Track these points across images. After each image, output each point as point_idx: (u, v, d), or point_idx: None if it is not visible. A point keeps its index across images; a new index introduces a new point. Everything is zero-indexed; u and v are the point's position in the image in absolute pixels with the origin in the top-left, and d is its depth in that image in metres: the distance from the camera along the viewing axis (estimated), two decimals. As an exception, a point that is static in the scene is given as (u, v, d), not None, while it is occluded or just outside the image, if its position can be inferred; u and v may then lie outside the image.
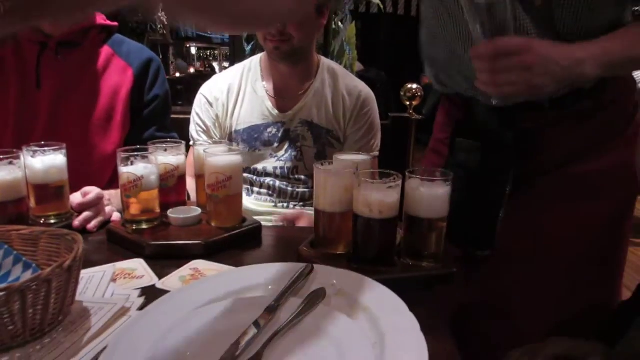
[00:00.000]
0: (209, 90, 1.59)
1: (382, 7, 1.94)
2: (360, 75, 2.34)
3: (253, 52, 2.16)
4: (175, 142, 1.15)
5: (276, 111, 1.52)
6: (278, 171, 1.52)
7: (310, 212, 1.46)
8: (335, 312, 0.71)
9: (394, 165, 1.01)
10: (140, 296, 0.78)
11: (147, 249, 0.97)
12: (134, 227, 1.03)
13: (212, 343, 0.62)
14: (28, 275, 0.74)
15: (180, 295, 0.72)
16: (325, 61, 1.61)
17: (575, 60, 0.85)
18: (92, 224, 1.12)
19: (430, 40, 1.08)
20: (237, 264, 0.93)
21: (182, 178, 1.14)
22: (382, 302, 0.72)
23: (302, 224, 1.35)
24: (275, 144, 1.53)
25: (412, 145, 2.01)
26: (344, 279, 0.79)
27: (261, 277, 0.78)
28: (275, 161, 1.53)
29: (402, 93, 2.04)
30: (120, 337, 0.61)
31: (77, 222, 1.11)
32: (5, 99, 1.38)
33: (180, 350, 0.61)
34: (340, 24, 1.97)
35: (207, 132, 1.57)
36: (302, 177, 1.53)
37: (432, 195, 0.84)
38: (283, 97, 1.54)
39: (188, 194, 1.27)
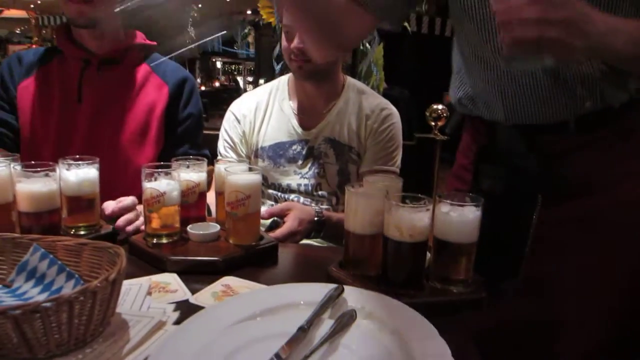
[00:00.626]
0: (237, 107, 1.64)
1: (408, 26, 1.97)
2: (384, 94, 2.37)
3: (282, 72, 2.20)
4: (197, 159, 1.17)
5: (301, 129, 1.56)
6: (302, 188, 1.55)
7: (301, 204, 1.47)
8: (366, 334, 0.73)
9: (419, 185, 1.02)
10: (175, 310, 0.80)
11: (167, 263, 0.99)
12: (155, 241, 1.06)
13: (247, 360, 0.64)
14: (70, 284, 0.78)
15: (215, 312, 0.74)
16: (351, 81, 1.64)
17: (612, 28, 0.78)
18: (131, 227, 1.16)
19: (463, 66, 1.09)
20: (262, 281, 0.95)
21: (202, 194, 1.17)
22: (412, 327, 0.73)
23: (291, 218, 1.32)
24: (300, 161, 1.56)
25: (437, 165, 2.01)
26: (374, 301, 0.80)
27: (293, 296, 0.80)
28: (299, 178, 1.56)
29: (427, 113, 2.06)
30: (159, 351, 0.64)
31: (120, 222, 1.15)
32: (49, 112, 1.44)
33: (217, 365, 0.63)
34: (368, 45, 2.01)
35: (234, 148, 1.61)
36: (325, 194, 1.55)
37: (462, 220, 0.85)
38: (308, 115, 1.58)
39: (209, 209, 1.30)
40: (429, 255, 0.90)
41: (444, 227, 0.86)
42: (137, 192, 1.48)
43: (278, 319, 0.75)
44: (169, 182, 1.04)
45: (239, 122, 1.61)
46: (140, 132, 1.47)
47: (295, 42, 1.45)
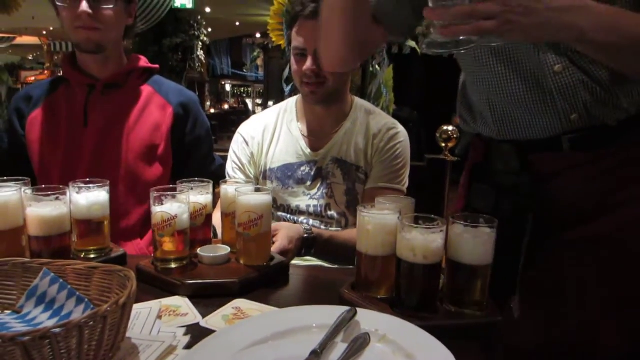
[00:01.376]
0: (246, 129, 1.65)
1: (417, 48, 1.98)
2: (393, 115, 2.37)
3: (291, 94, 2.22)
4: (203, 181, 1.17)
5: (309, 150, 1.56)
6: (311, 209, 1.54)
7: (290, 224, 1.46)
8: (380, 359, 0.71)
9: (429, 206, 1.01)
10: (185, 334, 0.79)
11: (182, 287, 0.98)
12: (164, 266, 1.05)
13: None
14: (80, 309, 0.77)
15: (226, 336, 0.73)
16: (359, 102, 1.64)
17: (571, 7, 0.75)
18: None
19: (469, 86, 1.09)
20: (273, 303, 0.94)
21: (209, 216, 1.17)
22: (428, 351, 0.71)
23: (280, 237, 1.29)
24: (308, 182, 1.55)
25: (447, 186, 2.00)
26: (388, 324, 0.78)
27: (305, 319, 0.79)
28: (308, 199, 1.55)
29: (437, 135, 2.06)
30: (170, 376, 0.63)
31: None
32: (56, 138, 1.47)
33: (228, 392, 0.61)
34: (377, 67, 2.02)
35: (242, 169, 1.61)
36: (335, 215, 1.54)
37: (476, 241, 0.83)
38: (316, 136, 1.58)
39: (214, 230, 1.30)
40: (442, 277, 0.89)
41: (458, 249, 0.84)
42: (143, 212, 1.49)
43: (290, 343, 0.74)
44: (180, 205, 1.03)
45: (247, 143, 1.62)
46: (146, 151, 1.49)
47: (309, 64, 1.45)
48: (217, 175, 1.52)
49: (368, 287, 0.92)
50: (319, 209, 1.54)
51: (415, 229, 0.83)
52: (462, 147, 4.44)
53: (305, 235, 1.33)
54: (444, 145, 2.03)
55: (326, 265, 1.49)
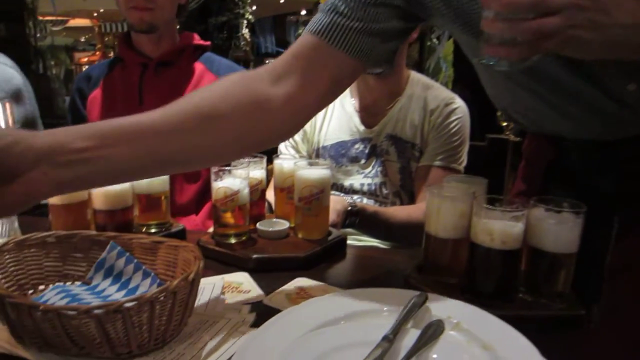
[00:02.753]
0: None
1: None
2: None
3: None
4: (255, 157, 1.15)
5: (363, 127, 1.51)
6: (365, 188, 1.50)
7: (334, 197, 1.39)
8: (456, 348, 0.67)
9: (489, 189, 0.95)
10: (251, 312, 0.77)
11: (249, 262, 0.98)
12: (225, 241, 1.05)
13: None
14: (147, 283, 0.76)
15: (294, 315, 0.71)
16: (415, 76, 1.57)
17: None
18: None
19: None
20: (335, 283, 0.92)
21: (263, 192, 1.17)
22: (507, 343, 0.66)
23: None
24: (363, 161, 1.50)
25: (508, 169, 1.91)
26: (461, 312, 0.74)
27: (374, 302, 0.75)
28: (362, 178, 1.50)
29: (499, 113, 1.96)
30: (241, 354, 0.61)
31: None
32: (114, 115, 1.48)
33: (301, 375, 0.59)
34: (436, 40, 1.92)
35: (295, 147, 1.58)
36: (390, 194, 1.49)
37: (561, 227, 0.77)
38: (370, 112, 1.52)
39: (269, 205, 1.28)
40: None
41: (539, 235, 0.78)
42: (198, 188, 1.50)
43: (360, 326, 0.71)
44: (241, 181, 1.02)
45: None
46: None
47: None
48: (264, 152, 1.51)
49: (436, 271, 0.88)
50: (374, 188, 1.49)
51: (493, 211, 0.77)
52: (518, 128, 4.28)
53: (349, 208, 1.30)
54: (505, 124, 1.93)
55: (381, 245, 1.45)
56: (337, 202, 1.31)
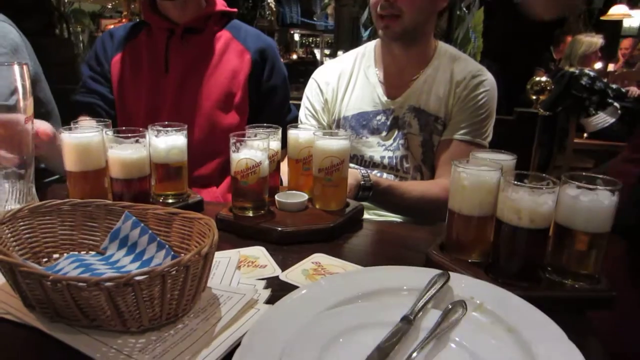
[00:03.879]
0: (321, 75, 1.57)
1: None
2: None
3: (370, 38, 2.09)
4: (271, 127, 1.12)
5: (386, 98, 1.45)
6: (386, 161, 1.45)
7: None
8: (479, 330, 0.64)
9: (516, 165, 0.90)
10: (265, 288, 0.75)
11: (274, 235, 0.96)
12: (243, 214, 1.02)
13: (348, 350, 0.58)
14: (161, 255, 0.75)
15: (310, 293, 0.68)
16: (443, 46, 1.50)
17: None
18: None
19: None
20: (353, 259, 0.89)
21: (279, 163, 1.14)
22: (533, 325, 0.63)
23: None
24: (384, 132, 1.46)
25: (536, 144, 1.84)
26: (485, 292, 0.70)
27: (393, 280, 0.73)
28: (383, 150, 1.46)
29: (528, 86, 1.87)
30: (255, 332, 0.59)
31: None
32: (139, 83, 1.46)
33: (314, 355, 0.57)
34: (465, 10, 1.83)
35: (315, 116, 1.54)
36: (411, 168, 1.44)
37: (594, 206, 0.72)
38: (395, 83, 1.47)
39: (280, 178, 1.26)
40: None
41: (571, 214, 0.74)
42: (223, 157, 1.48)
43: (379, 305, 0.68)
44: (263, 152, 0.99)
45: (321, 90, 1.54)
46: (224, 98, 1.46)
47: None
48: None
49: (460, 249, 0.85)
50: (394, 161, 1.45)
51: (522, 188, 0.73)
52: (547, 103, 4.13)
53: (362, 182, 1.26)
54: (534, 97, 1.85)
55: (397, 219, 1.42)
56: (350, 176, 1.27)
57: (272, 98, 1.53)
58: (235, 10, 1.55)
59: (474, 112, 1.39)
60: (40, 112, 1.42)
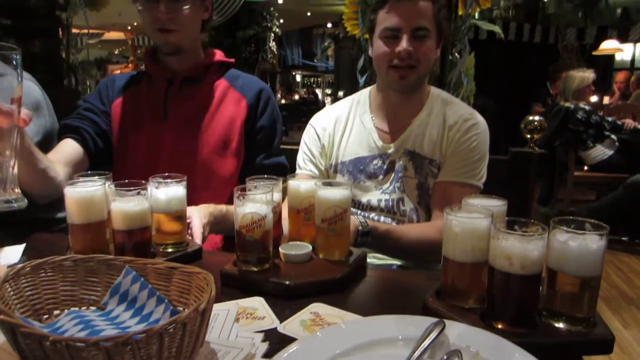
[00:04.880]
0: (318, 121, 1.61)
1: (502, 35, 1.84)
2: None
3: (366, 85, 2.15)
4: (272, 178, 1.12)
5: (381, 143, 1.49)
6: (382, 204, 1.47)
7: None
8: (474, 380, 0.64)
9: (512, 203, 0.92)
10: (263, 341, 0.76)
11: (282, 288, 0.95)
12: (248, 268, 1.00)
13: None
14: (160, 310, 0.76)
15: (306, 346, 0.69)
16: (435, 91, 1.55)
17: None
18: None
19: None
20: (351, 308, 0.89)
21: (280, 214, 1.13)
22: (529, 374, 0.63)
23: None
24: (380, 176, 1.48)
25: (532, 183, 1.86)
26: (481, 341, 0.71)
27: (389, 330, 0.73)
28: (379, 194, 1.48)
29: (522, 125, 1.91)
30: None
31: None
32: (139, 129, 1.50)
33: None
34: (457, 55, 1.90)
35: (313, 161, 1.57)
36: (407, 210, 1.46)
37: (583, 250, 0.74)
38: (390, 128, 1.50)
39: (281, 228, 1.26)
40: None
41: (561, 258, 0.75)
42: (221, 203, 1.50)
43: (375, 357, 0.69)
44: (267, 205, 0.98)
45: (318, 135, 1.58)
46: (221, 145, 1.49)
47: (405, 45, 1.36)
48: (275, 171, 1.35)
49: (455, 295, 0.85)
50: (391, 204, 1.47)
51: (511, 235, 0.74)
52: (544, 138, 4.18)
53: (360, 228, 1.27)
54: (529, 136, 1.88)
55: (397, 262, 1.43)
56: None
57: (254, 137, 1.54)
58: (233, 60, 1.61)
59: (467, 154, 1.42)
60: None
